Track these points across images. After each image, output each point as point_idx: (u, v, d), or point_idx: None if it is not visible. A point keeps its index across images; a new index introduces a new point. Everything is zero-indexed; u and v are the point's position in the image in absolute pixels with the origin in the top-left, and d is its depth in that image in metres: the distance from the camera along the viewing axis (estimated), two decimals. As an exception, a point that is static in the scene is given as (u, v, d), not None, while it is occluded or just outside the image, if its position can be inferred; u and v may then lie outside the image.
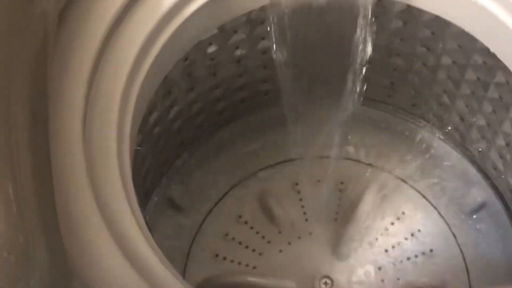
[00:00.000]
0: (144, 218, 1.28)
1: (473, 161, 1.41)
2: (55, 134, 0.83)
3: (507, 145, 1.25)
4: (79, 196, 0.80)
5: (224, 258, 1.38)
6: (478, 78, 1.21)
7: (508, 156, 1.26)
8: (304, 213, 1.42)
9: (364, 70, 1.18)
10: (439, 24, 1.12)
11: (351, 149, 1.45)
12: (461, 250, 1.38)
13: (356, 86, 1.22)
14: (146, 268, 0.79)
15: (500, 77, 1.14)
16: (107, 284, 0.76)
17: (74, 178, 0.82)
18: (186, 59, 1.16)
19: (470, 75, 1.22)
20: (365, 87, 1.23)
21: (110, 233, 0.79)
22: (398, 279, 1.36)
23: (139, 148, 1.06)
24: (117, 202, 0.82)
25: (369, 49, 1.10)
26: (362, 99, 1.25)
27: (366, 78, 1.23)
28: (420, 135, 1.45)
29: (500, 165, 1.31)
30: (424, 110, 1.40)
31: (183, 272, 1.35)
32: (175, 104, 1.24)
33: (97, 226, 0.79)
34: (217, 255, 1.38)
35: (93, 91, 0.91)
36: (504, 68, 1.06)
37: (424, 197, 1.43)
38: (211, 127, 1.41)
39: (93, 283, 0.76)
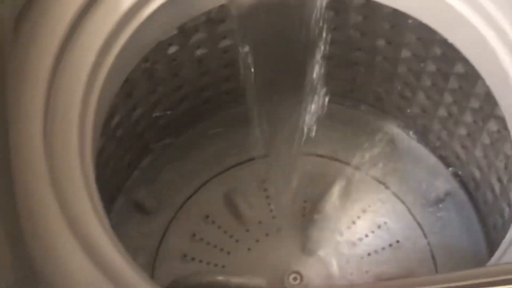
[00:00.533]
0: (110, 220, 1.29)
1: (436, 152, 1.42)
2: (15, 136, 0.82)
3: (468, 134, 1.26)
4: (40, 197, 0.80)
5: (193, 259, 1.37)
6: (438, 70, 1.22)
7: (470, 145, 1.28)
8: (271, 211, 1.43)
9: (324, 65, 1.19)
10: (398, 17, 1.13)
11: (316, 145, 1.45)
12: (427, 240, 1.40)
13: (317, 82, 1.22)
14: (111, 268, 0.78)
15: (459, 68, 1.16)
16: (71, 285, 0.75)
17: (35, 178, 0.81)
18: (146, 60, 1.15)
19: (430, 67, 1.23)
20: (327, 82, 1.24)
21: (73, 233, 0.78)
22: (367, 271, 1.37)
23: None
24: (79, 202, 0.82)
25: (327, 44, 1.10)
26: (325, 94, 1.26)
27: (328, 74, 1.24)
28: (384, 129, 1.46)
29: (462, 154, 1.33)
30: (387, 103, 1.41)
31: (151, 274, 1.34)
32: (138, 106, 1.23)
33: (59, 226, 0.78)
34: (185, 256, 1.37)
35: (52, 94, 0.89)
36: (463, 58, 1.07)
37: (389, 189, 1.44)
38: (176, 128, 1.40)
39: (57, 284, 0.75)
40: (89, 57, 0.93)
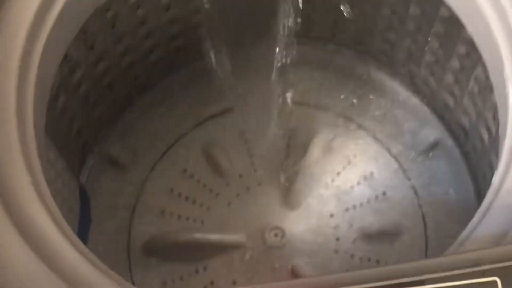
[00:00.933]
0: (84, 177, 1.24)
1: (424, 99, 1.34)
2: None
3: (456, 82, 1.18)
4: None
5: (171, 214, 1.32)
6: (422, 13, 1.13)
7: (458, 93, 1.20)
8: (252, 163, 1.37)
9: (301, 6, 1.11)
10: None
11: (297, 93, 1.38)
12: (415, 191, 1.33)
13: (292, 24, 1.15)
14: (46, 247, 0.72)
15: (444, 12, 1.07)
16: (7, 272, 0.70)
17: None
18: (107, 9, 1.07)
19: (414, 10, 1.14)
20: (308, 27, 1.16)
21: (8, 213, 0.72)
22: (352, 225, 1.31)
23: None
24: (15, 174, 0.75)
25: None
26: (299, 37, 1.18)
27: (308, 17, 1.16)
28: (369, 75, 1.38)
29: (451, 102, 1.25)
30: (371, 48, 1.33)
31: (128, 231, 1.30)
32: (102, 58, 1.16)
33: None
34: (163, 212, 1.32)
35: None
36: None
37: (375, 138, 1.37)
38: (147, 80, 1.33)
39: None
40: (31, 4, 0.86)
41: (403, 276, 0.54)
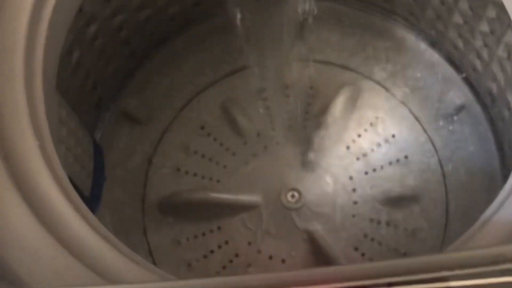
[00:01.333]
0: (98, 133, 1.22)
1: (452, 63, 1.29)
2: None
3: (485, 45, 1.13)
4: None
5: (186, 172, 1.30)
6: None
7: (486, 57, 1.14)
8: (271, 122, 1.33)
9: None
10: None
11: (320, 51, 1.33)
12: (438, 156, 1.29)
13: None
14: (58, 222, 0.70)
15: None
16: (11, 240, 0.68)
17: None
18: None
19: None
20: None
21: (14, 183, 0.70)
22: (371, 188, 1.28)
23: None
24: (22, 138, 0.73)
25: None
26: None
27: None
28: (396, 34, 1.32)
29: (478, 66, 1.20)
30: (398, 6, 1.27)
31: (143, 188, 1.28)
32: (118, 12, 1.12)
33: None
34: (178, 169, 1.30)
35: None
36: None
37: (399, 100, 1.33)
38: (165, 34, 1.29)
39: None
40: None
41: (424, 271, 0.51)
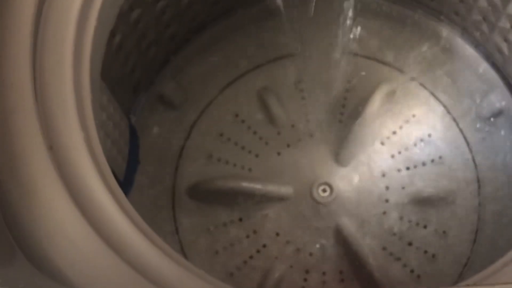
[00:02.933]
0: (134, 116, 1.22)
1: (494, 65, 1.26)
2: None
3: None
4: (24, 130, 0.71)
5: (219, 159, 1.29)
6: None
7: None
8: (306, 114, 1.32)
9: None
10: None
11: (361, 45, 1.31)
12: (473, 159, 1.28)
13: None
14: (101, 217, 0.70)
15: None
16: (54, 233, 0.68)
17: (18, 100, 0.72)
18: None
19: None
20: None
21: (59, 175, 0.70)
22: (403, 187, 1.27)
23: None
24: (69, 132, 0.72)
25: None
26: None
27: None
28: (440, 33, 1.30)
29: (523, 71, 1.17)
30: (444, 5, 1.24)
31: (175, 173, 1.28)
32: (163, -4, 1.11)
33: (44, 167, 0.69)
34: (211, 156, 1.29)
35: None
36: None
37: (438, 99, 1.31)
38: (206, 20, 1.28)
39: (37, 230, 0.67)
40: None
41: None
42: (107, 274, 0.67)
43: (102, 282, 0.66)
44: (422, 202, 1.26)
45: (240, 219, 1.26)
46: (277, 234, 1.25)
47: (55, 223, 0.68)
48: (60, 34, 0.77)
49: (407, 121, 1.31)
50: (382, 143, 1.30)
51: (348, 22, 1.23)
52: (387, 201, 1.26)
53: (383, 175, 1.28)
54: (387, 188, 1.27)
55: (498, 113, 1.27)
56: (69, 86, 0.75)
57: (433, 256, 1.23)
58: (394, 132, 1.31)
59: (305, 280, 1.22)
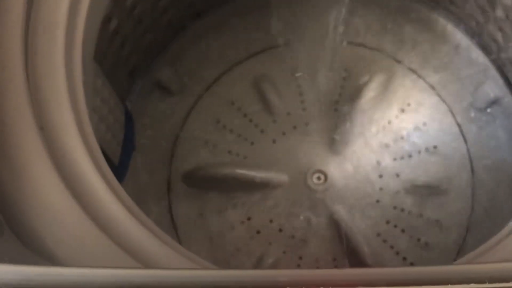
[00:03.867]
0: (131, 102, 1.22)
1: (490, 54, 1.27)
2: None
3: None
4: (15, 111, 0.71)
5: (214, 146, 1.30)
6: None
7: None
8: (302, 102, 1.32)
9: None
10: None
11: (357, 33, 1.31)
12: (467, 148, 1.28)
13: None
14: (89, 196, 0.71)
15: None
16: (43, 212, 0.69)
17: (11, 88, 0.72)
18: None
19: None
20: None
21: (49, 155, 0.71)
22: (398, 175, 1.27)
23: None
24: (61, 119, 0.73)
25: None
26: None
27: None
28: (435, 22, 1.30)
29: (517, 61, 1.18)
30: (441, -5, 1.25)
31: (170, 159, 1.29)
32: (158, -19, 1.12)
33: (35, 146, 0.70)
34: (206, 143, 1.30)
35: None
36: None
37: (433, 88, 1.31)
38: (203, 6, 1.28)
39: (26, 209, 0.68)
40: None
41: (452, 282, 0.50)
42: (94, 252, 0.68)
43: (88, 259, 0.67)
44: (416, 190, 1.26)
45: (235, 206, 1.27)
46: (271, 221, 1.26)
47: (44, 201, 0.69)
48: (53, 16, 0.78)
49: (402, 110, 1.31)
50: (377, 132, 1.30)
51: (345, 10, 1.23)
52: (381, 189, 1.27)
53: (378, 163, 1.28)
54: (381, 176, 1.28)
55: (492, 103, 1.28)
56: (61, 68, 0.76)
57: (426, 244, 1.23)
58: (389, 121, 1.31)
59: (299, 266, 1.23)
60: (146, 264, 0.67)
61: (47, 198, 0.69)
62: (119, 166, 1.14)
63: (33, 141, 0.71)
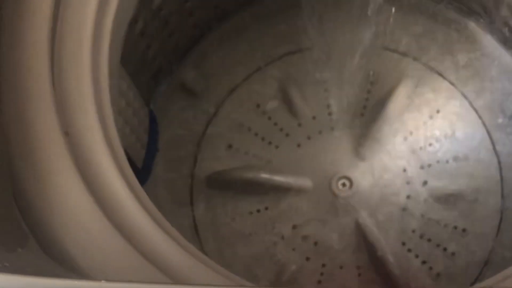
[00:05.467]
0: (155, 103, 1.21)
1: (523, 63, 1.24)
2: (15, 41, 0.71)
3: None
4: (40, 116, 0.70)
5: (238, 150, 1.28)
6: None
7: None
8: (328, 106, 1.30)
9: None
10: None
11: (385, 38, 1.29)
12: (498, 158, 1.25)
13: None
14: (114, 204, 0.69)
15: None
16: (67, 219, 0.67)
17: (36, 90, 0.71)
18: None
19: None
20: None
21: (74, 161, 0.69)
22: (425, 183, 1.25)
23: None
24: (86, 124, 0.72)
25: None
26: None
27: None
28: (468, 29, 1.27)
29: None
30: (474, 3, 1.22)
31: (194, 162, 1.27)
32: (185, -17, 1.10)
33: (60, 152, 0.69)
34: (230, 146, 1.29)
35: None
36: None
37: (463, 95, 1.28)
38: (229, 8, 1.26)
39: (50, 216, 0.67)
40: None
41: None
42: (119, 262, 0.66)
43: (113, 270, 0.65)
44: (443, 199, 1.24)
45: (258, 210, 1.25)
46: (295, 226, 1.24)
47: (69, 210, 0.68)
48: (80, 19, 0.76)
49: (430, 117, 1.29)
50: (405, 138, 1.28)
51: (373, 15, 1.21)
52: (407, 197, 1.24)
53: (404, 171, 1.26)
54: (408, 183, 1.25)
55: (524, 112, 1.25)
56: (87, 72, 0.74)
57: (453, 254, 1.21)
58: (417, 128, 1.28)
59: (322, 274, 1.21)
60: (174, 278, 0.65)
61: (72, 208, 0.68)
62: (142, 168, 1.12)
63: (58, 147, 0.69)
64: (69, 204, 0.68)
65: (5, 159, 0.66)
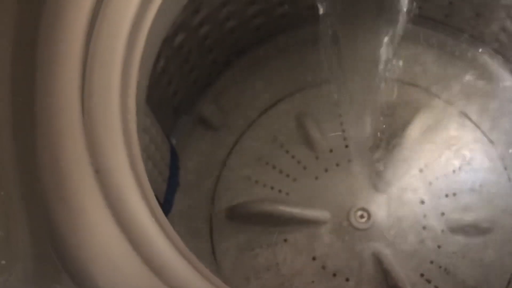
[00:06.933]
0: (174, 138, 1.23)
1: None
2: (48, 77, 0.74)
3: None
4: (71, 150, 0.72)
5: (256, 182, 1.30)
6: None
7: None
8: (345, 139, 1.32)
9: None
10: None
11: (402, 71, 1.31)
12: (514, 189, 1.26)
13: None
14: (144, 241, 0.71)
15: None
16: (98, 255, 0.69)
17: (67, 127, 0.73)
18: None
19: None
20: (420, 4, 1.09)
21: (105, 198, 0.71)
22: (442, 215, 1.26)
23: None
24: (116, 162, 0.74)
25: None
26: (414, 16, 1.11)
27: None
28: (482, 62, 1.29)
29: None
30: (485, 33, 1.24)
31: (213, 195, 1.29)
32: (205, 22, 1.13)
33: (91, 190, 0.71)
34: (249, 178, 1.30)
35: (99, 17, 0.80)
36: None
37: (478, 127, 1.30)
38: (247, 44, 1.29)
39: (82, 253, 0.69)
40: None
41: None
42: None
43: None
44: (461, 230, 1.25)
45: (277, 243, 1.26)
46: (314, 258, 1.25)
47: (100, 246, 0.69)
48: (109, 58, 0.79)
49: (447, 148, 1.30)
50: (421, 170, 1.29)
51: (389, 48, 1.23)
52: (424, 228, 1.25)
53: (422, 202, 1.27)
54: (425, 215, 1.26)
55: (539, 144, 1.26)
56: (116, 110, 0.76)
57: (472, 286, 1.21)
58: (434, 159, 1.30)
59: (341, 306, 1.22)
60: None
61: (103, 244, 0.69)
62: (164, 202, 1.14)
63: (89, 185, 0.71)
64: (100, 240, 0.70)
65: (40, 199, 0.68)
